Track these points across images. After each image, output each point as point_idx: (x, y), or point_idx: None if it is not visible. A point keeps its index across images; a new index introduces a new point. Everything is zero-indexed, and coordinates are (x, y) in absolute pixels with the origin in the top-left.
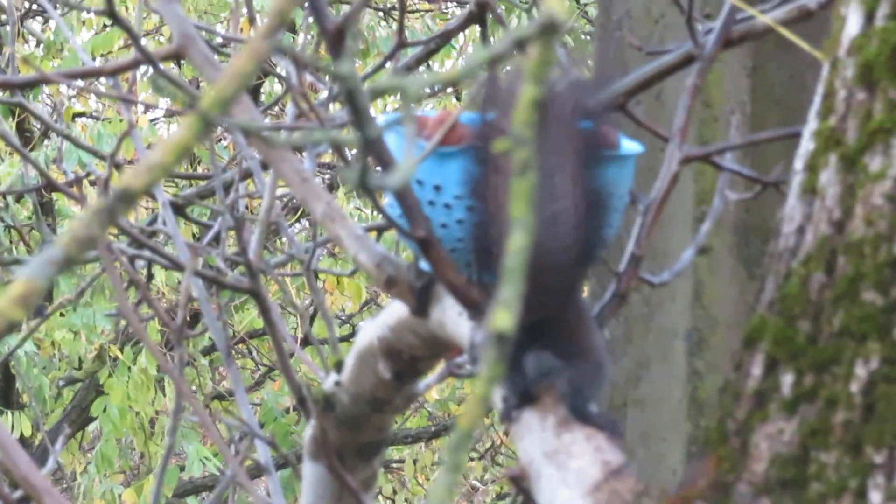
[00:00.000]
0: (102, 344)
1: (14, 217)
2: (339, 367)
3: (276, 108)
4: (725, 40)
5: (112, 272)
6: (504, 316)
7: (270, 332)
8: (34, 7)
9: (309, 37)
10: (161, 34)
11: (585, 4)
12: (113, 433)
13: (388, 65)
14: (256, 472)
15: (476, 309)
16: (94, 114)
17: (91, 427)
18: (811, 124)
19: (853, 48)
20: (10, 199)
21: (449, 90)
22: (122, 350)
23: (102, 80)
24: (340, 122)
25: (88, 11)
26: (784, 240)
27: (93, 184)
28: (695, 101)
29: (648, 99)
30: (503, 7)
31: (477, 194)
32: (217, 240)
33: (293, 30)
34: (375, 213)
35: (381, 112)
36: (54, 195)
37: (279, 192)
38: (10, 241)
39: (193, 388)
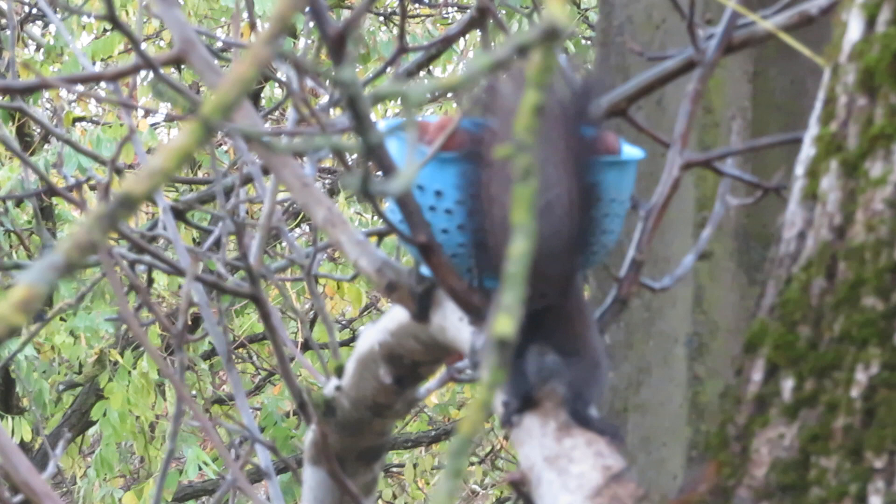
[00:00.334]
0: (103, 348)
1: (14, 221)
2: (339, 372)
3: (277, 113)
4: (727, 46)
5: (113, 277)
6: (506, 321)
7: (271, 336)
8: (34, 11)
9: (310, 42)
10: (161, 39)
11: (586, 10)
12: (113, 437)
13: (389, 70)
14: (257, 476)
15: (477, 314)
16: (94, 118)
17: (91, 431)
18: (812, 130)
19: (854, 54)
20: (10, 203)
21: (450, 95)
22: (122, 354)
23: (103, 84)
24: (341, 128)
25: (89, 16)
26: (785, 245)
27: (93, 188)
28: (696, 106)
29: (649, 104)
30: (504, 12)
31: (477, 199)
32: (218, 245)
33: (294, 35)
34: (376, 218)
35: (381, 117)
36: (54, 200)
37: (280, 197)
38: (10, 246)
39: (194, 392)
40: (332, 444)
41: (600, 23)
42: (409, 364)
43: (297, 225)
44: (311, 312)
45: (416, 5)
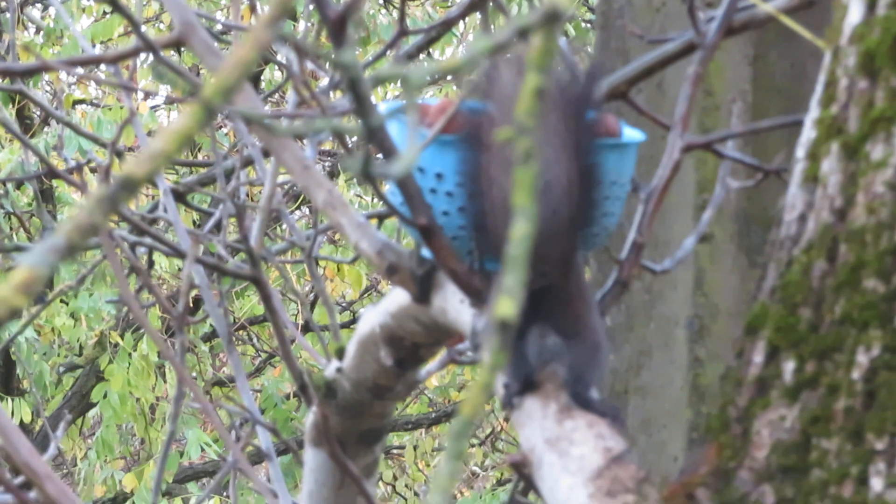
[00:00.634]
0: (103, 330)
1: (14, 204)
2: (340, 354)
3: (277, 96)
4: (727, 29)
5: (113, 259)
6: (507, 304)
7: (271, 318)
8: None
9: (310, 24)
10: (161, 21)
11: None
12: (113, 419)
13: (390, 53)
14: (257, 458)
15: (478, 296)
16: (94, 101)
17: (91, 413)
18: (813, 113)
19: (855, 37)
20: (10, 186)
21: (450, 78)
22: (122, 336)
23: (103, 67)
24: (342, 110)
25: None
26: (786, 228)
27: (93, 171)
28: (696, 89)
29: (650, 87)
30: None
31: (477, 181)
32: (218, 227)
33: (294, 17)
34: (376, 200)
35: (382, 100)
36: (55, 182)
37: (280, 179)
38: (11, 228)
39: (194, 374)
40: (333, 426)
41: (600, 6)
42: (409, 346)
43: (298, 207)
44: (312, 295)
45: None
